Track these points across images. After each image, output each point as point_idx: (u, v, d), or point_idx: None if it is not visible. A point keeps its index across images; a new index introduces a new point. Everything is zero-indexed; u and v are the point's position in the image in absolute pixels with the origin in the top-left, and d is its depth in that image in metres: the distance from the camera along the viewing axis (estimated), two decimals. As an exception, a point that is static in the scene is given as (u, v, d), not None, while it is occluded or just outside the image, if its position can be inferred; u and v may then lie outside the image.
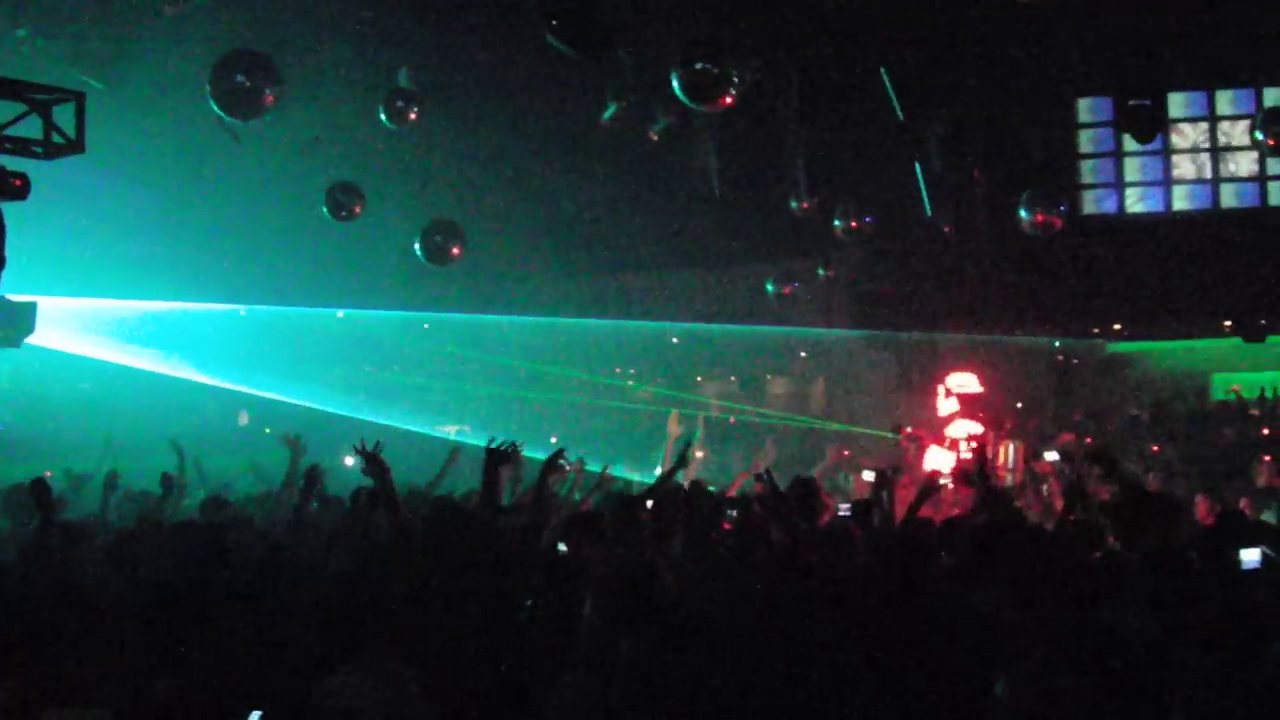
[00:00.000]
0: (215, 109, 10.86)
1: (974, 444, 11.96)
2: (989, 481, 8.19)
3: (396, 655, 5.01)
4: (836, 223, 16.37)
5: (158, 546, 7.01)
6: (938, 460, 13.40)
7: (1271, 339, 19.94)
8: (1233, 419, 17.44)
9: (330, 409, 18.59)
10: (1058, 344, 23.89)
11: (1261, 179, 20.43)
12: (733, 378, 25.38)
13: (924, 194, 17.19)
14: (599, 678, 4.67)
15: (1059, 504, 9.25)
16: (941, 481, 8.96)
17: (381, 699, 4.75)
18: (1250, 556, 6.15)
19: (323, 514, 8.87)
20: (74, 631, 5.02)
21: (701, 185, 16.61)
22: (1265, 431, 15.94)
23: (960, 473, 11.87)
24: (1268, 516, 9.25)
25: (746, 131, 16.10)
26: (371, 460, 7.52)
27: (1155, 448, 14.73)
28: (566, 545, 7.13)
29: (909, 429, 13.52)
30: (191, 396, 18.19)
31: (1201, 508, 10.04)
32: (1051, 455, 12.11)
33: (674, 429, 13.33)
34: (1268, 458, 11.75)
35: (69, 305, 16.34)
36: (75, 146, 8.75)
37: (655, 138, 14.98)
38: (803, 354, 23.82)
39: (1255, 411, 17.29)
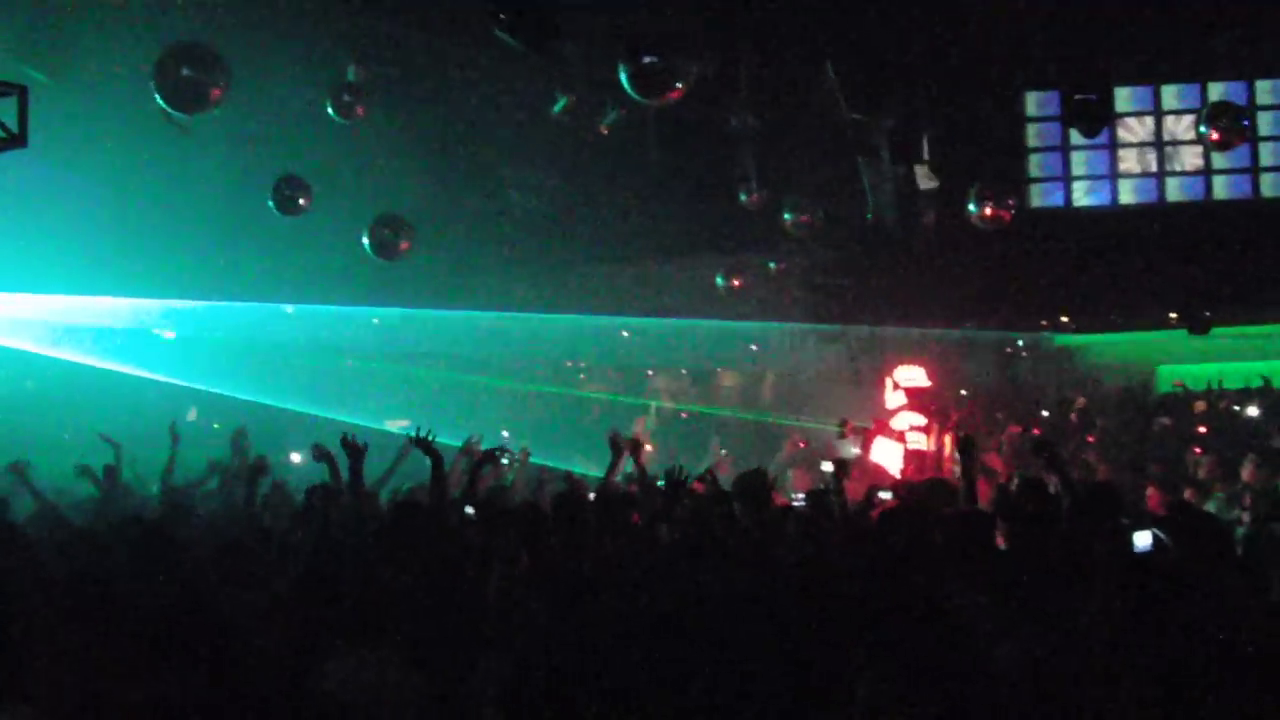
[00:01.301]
0: (161, 103, 10.78)
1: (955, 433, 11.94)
2: (972, 476, 8.15)
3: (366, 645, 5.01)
4: (786, 216, 16.42)
5: (109, 542, 6.99)
6: (884, 452, 13.46)
7: (1217, 331, 20.13)
8: (1171, 411, 17.65)
9: (280, 404, 18.53)
10: (1021, 342, 24.05)
11: (1206, 173, 20.59)
12: (684, 371, 25.42)
13: (866, 191, 17.25)
14: (510, 658, 4.70)
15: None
16: (882, 495, 8.99)
17: (376, 685, 4.74)
18: (1142, 540, 6.21)
19: (275, 508, 8.89)
20: (21, 630, 4.96)
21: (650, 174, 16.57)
22: (1202, 430, 16.13)
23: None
24: (1210, 507, 9.38)
25: (695, 125, 16.09)
26: (354, 454, 7.83)
27: (1090, 438, 14.89)
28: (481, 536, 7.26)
29: (853, 423, 13.57)
30: (137, 393, 18.07)
31: (1153, 498, 10.18)
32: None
33: (640, 433, 13.31)
34: (1198, 450, 11.89)
35: (12, 301, 16.21)
36: (18, 140, 8.67)
37: (604, 131, 14.96)
38: (753, 347, 23.88)
39: (1201, 405, 17.47)
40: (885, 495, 9.04)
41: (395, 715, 4.66)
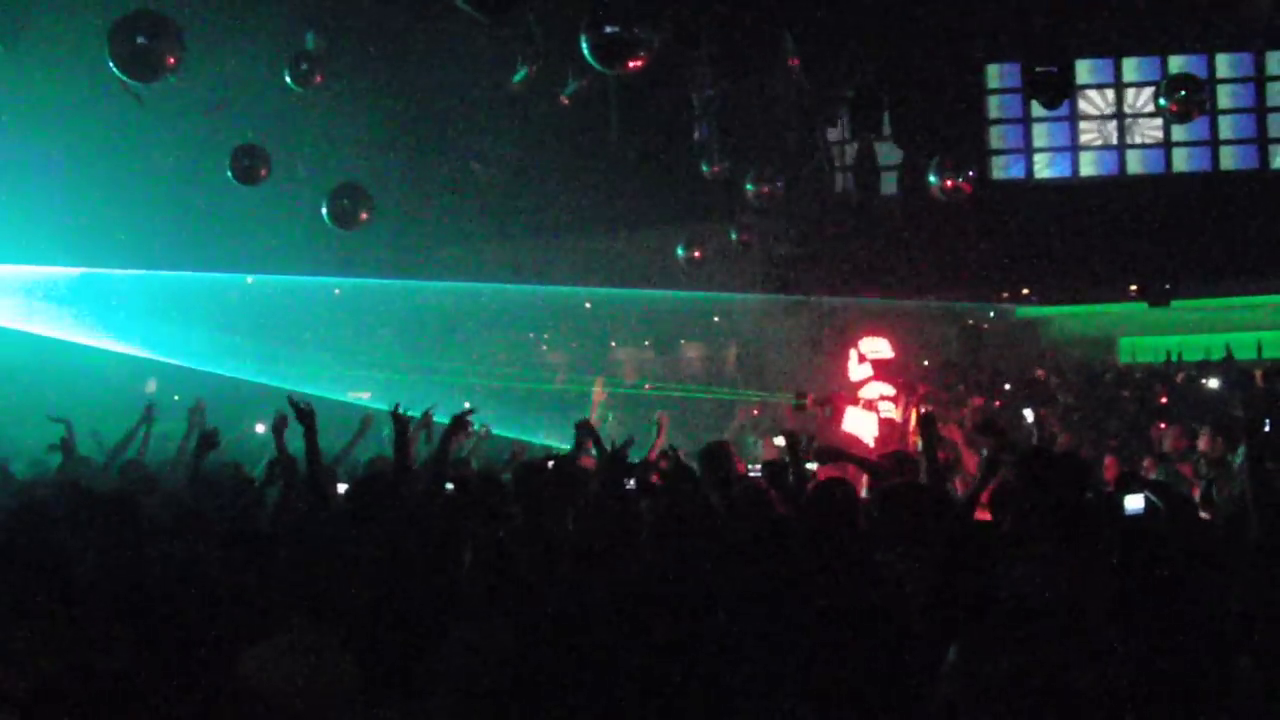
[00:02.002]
0: (115, 71, 10.66)
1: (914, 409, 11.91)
2: (933, 452, 8.07)
3: (318, 624, 4.94)
4: (748, 187, 16.41)
5: (57, 514, 6.91)
6: (857, 422, 13.47)
7: (1176, 303, 20.28)
8: (1133, 383, 17.75)
9: (241, 376, 18.43)
10: (992, 313, 24.13)
11: (1166, 145, 20.69)
12: (646, 343, 25.42)
13: (826, 162, 17.26)
14: (482, 632, 4.67)
15: (971, 468, 9.33)
16: (809, 466, 8.98)
17: (307, 670, 4.65)
18: (1134, 503, 6.34)
19: (221, 477, 8.76)
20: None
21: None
22: (1163, 400, 16.23)
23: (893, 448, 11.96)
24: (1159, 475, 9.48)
25: (657, 95, 16.07)
26: (304, 419, 7.57)
27: (1043, 411, 14.91)
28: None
29: (812, 395, 13.49)
30: (97, 364, 17.96)
31: (1110, 469, 10.22)
32: (1029, 414, 12.16)
33: (599, 394, 13.29)
34: (1164, 425, 11.94)
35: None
36: (-28, 110, 8.60)
37: (566, 101, 14.92)
38: (716, 319, 23.88)
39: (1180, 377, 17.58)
40: (812, 466, 9.03)
41: (322, 704, 4.59)
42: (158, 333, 19.03)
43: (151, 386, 19.12)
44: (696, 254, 18.29)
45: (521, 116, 16.06)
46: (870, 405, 13.56)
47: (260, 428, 14.94)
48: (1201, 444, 10.45)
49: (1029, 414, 12.05)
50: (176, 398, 17.19)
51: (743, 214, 17.98)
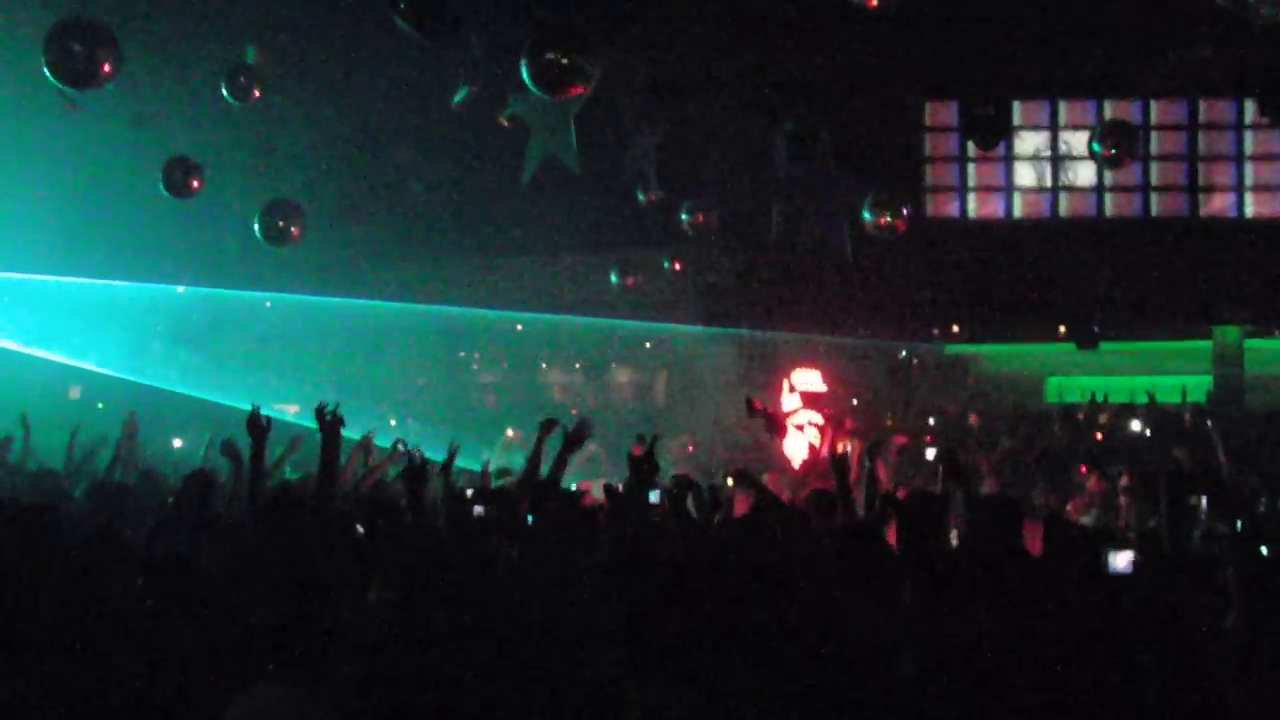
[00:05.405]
0: (50, 77, 10.53)
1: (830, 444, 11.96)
2: (847, 489, 8.03)
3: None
4: (683, 216, 16.43)
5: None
6: (793, 445, 13.54)
7: (1104, 346, 20.45)
8: (1061, 422, 17.85)
9: (166, 386, 18.25)
10: (917, 358, 24.21)
11: (1099, 189, 20.90)
12: (577, 365, 25.40)
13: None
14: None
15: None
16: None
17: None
18: (1120, 561, 5.92)
19: (143, 491, 8.63)
20: None
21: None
22: (1099, 437, 16.32)
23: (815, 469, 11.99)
24: (1087, 520, 9.52)
25: (594, 120, 16.06)
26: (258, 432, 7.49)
27: (980, 456, 14.95)
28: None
29: (760, 402, 13.32)
30: (18, 370, 17.74)
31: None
32: (931, 453, 12.11)
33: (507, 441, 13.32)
34: (1084, 468, 11.99)
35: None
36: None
37: (505, 123, 14.89)
38: (647, 344, 23.88)
39: (1081, 415, 17.69)
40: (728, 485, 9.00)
41: None
42: (85, 340, 18.82)
43: (75, 393, 18.91)
44: (629, 281, 18.27)
45: (459, 137, 16.01)
46: (800, 428, 13.65)
47: (177, 442, 14.76)
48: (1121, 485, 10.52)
49: (930, 453, 12.03)
50: (100, 405, 17.01)
51: (677, 243, 18.01)
